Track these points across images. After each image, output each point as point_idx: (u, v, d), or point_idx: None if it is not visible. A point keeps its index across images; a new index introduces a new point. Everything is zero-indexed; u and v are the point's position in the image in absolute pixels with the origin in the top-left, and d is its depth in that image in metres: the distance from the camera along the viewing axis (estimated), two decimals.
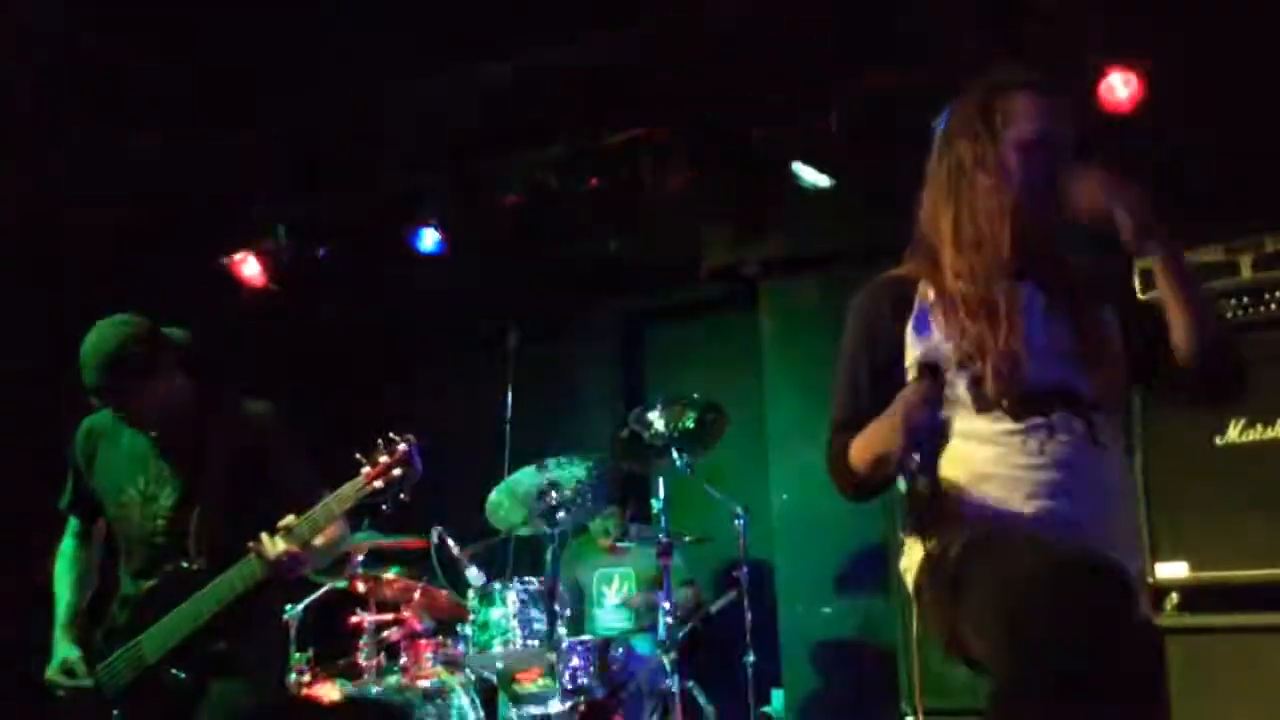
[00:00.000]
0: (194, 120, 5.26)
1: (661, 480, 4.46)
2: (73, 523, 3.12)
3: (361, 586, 4.59)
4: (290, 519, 2.73)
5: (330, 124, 5.38)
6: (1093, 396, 2.06)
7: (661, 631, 4.35)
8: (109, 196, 5.38)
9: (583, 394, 6.03)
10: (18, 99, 4.92)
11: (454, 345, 6.01)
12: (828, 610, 5.24)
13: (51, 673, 2.89)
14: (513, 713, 4.01)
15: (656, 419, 4.48)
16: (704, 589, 5.19)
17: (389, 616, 4.60)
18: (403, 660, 4.57)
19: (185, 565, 2.85)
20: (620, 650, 4.42)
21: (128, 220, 5.39)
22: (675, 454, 4.45)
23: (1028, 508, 1.99)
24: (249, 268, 5.72)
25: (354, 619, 4.59)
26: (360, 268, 5.74)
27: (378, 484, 2.70)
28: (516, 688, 3.88)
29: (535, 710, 3.94)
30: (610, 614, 5.09)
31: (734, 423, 4.76)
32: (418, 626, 4.65)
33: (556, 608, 4.09)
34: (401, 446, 2.72)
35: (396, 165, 5.42)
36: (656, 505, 4.47)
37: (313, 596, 4.63)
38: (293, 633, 4.56)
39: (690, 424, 4.55)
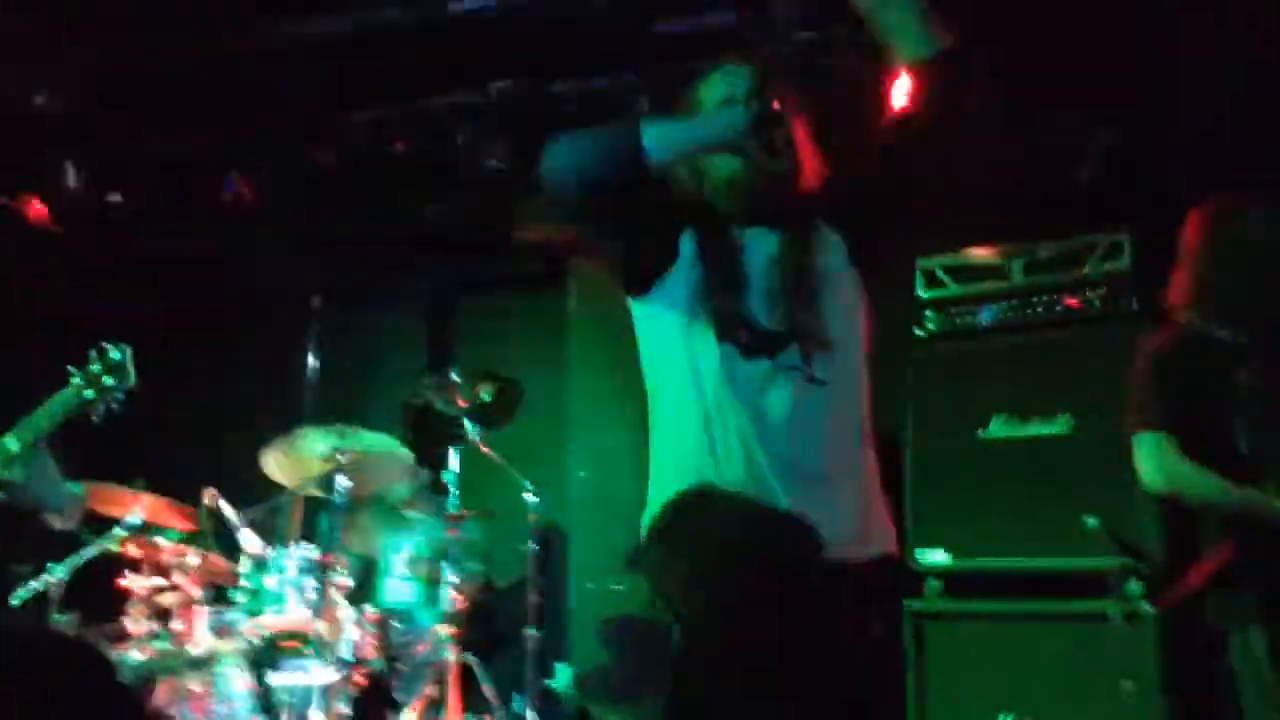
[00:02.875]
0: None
1: (454, 453, 4.42)
2: None
3: (134, 550, 4.43)
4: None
5: (150, 70, 5.09)
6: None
7: (444, 604, 4.32)
8: None
9: (389, 364, 5.92)
10: None
11: (256, 305, 5.80)
12: (619, 587, 5.29)
13: None
14: (275, 682, 3.91)
15: (453, 389, 4.43)
16: (497, 564, 5.16)
17: (161, 582, 4.43)
18: (177, 626, 4.43)
19: None
20: (401, 622, 4.36)
21: None
22: (469, 426, 4.41)
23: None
24: (35, 207, 5.41)
25: (123, 583, 4.42)
26: (163, 218, 5.49)
27: (88, 393, 2.59)
28: (278, 656, 3.78)
29: (298, 680, 3.85)
30: (398, 585, 5.01)
31: (538, 400, 4.74)
32: (193, 593, 4.49)
33: (329, 575, 4.00)
34: (113, 354, 2.61)
35: (211, 117, 5.18)
36: (448, 477, 4.43)
37: (80, 558, 4.43)
38: (58, 595, 4.38)
39: (487, 397, 4.52)
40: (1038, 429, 3.90)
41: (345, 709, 4.17)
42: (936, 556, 3.98)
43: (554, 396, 5.44)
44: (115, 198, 5.46)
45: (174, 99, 5.06)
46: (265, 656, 3.79)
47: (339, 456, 4.14)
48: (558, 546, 5.32)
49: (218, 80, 4.92)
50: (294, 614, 3.90)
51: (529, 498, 4.52)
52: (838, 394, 2.18)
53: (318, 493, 4.23)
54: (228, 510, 4.14)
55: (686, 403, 2.17)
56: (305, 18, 4.64)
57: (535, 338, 5.72)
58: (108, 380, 2.58)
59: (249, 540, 4.12)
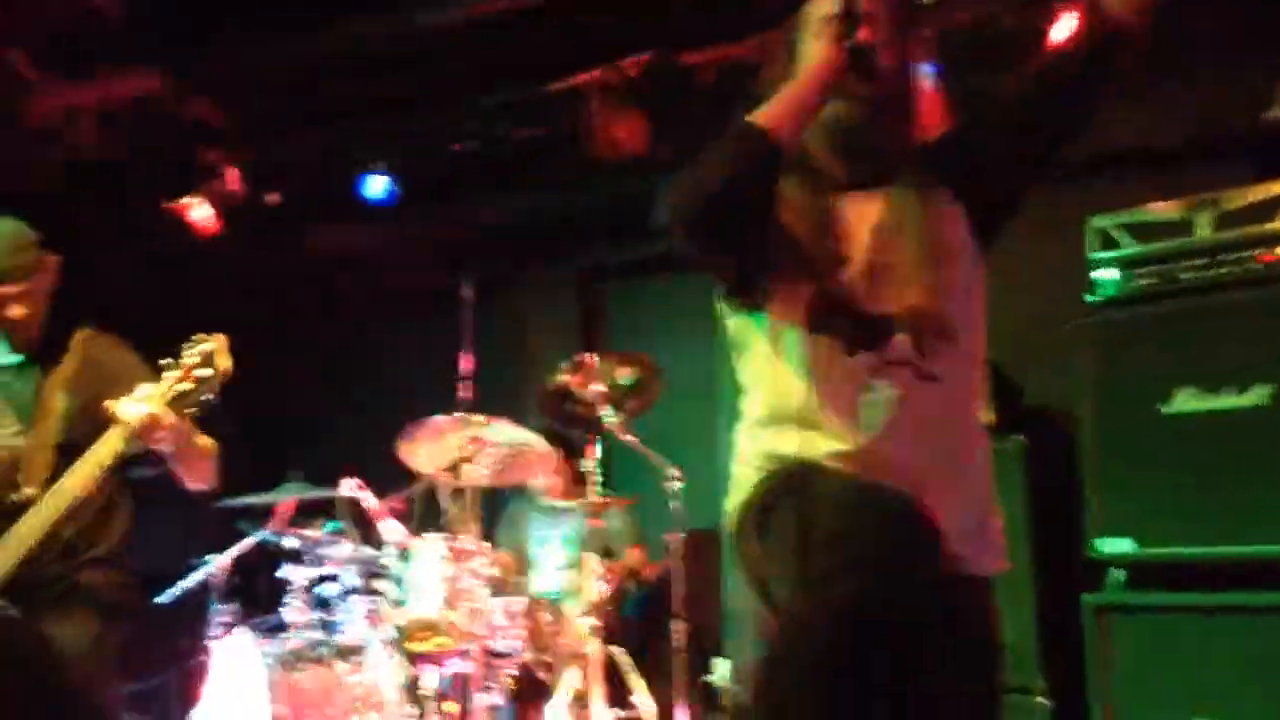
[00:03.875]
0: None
1: (595, 440, 4.30)
2: None
3: (292, 541, 4.50)
4: (141, 386, 2.59)
5: (280, 70, 5.19)
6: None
7: (590, 595, 4.21)
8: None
9: (538, 351, 5.86)
10: None
11: (403, 298, 5.85)
12: None
13: None
14: (422, 671, 3.88)
15: (591, 372, 4.30)
16: (648, 553, 5.03)
17: (318, 571, 4.50)
18: (335, 615, 4.49)
19: (15, 498, 2.71)
20: (548, 613, 4.28)
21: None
22: (609, 411, 4.28)
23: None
24: (199, 211, 5.58)
25: (281, 573, 4.50)
26: (308, 215, 5.58)
27: (185, 385, 2.56)
28: (411, 646, 3.74)
29: (445, 670, 3.80)
30: (545, 575, 4.94)
31: (689, 385, 4.57)
32: (349, 582, 4.54)
33: (472, 565, 3.93)
34: (207, 345, 2.58)
35: (343, 112, 5.23)
36: (589, 465, 4.31)
37: (239, 549, 4.54)
38: (214, 586, 4.50)
39: (626, 381, 4.38)
40: (1230, 401, 3.48)
41: (494, 700, 4.13)
42: (1119, 545, 3.62)
43: (706, 381, 5.26)
44: (272, 197, 5.57)
45: (318, 95, 5.13)
46: (404, 646, 3.75)
47: (473, 446, 4.07)
48: (708, 537, 5.13)
49: (358, 73, 4.95)
50: (434, 604, 3.84)
51: (674, 485, 4.35)
52: (954, 391, 1.91)
53: (458, 482, 4.17)
54: (369, 499, 4.14)
55: (780, 405, 1.92)
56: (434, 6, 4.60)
57: (687, 322, 5.54)
58: (202, 372, 2.55)
59: (391, 529, 4.10)
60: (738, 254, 1.95)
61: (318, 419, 5.43)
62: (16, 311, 2.79)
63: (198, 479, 2.90)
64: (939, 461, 1.87)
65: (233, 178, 5.56)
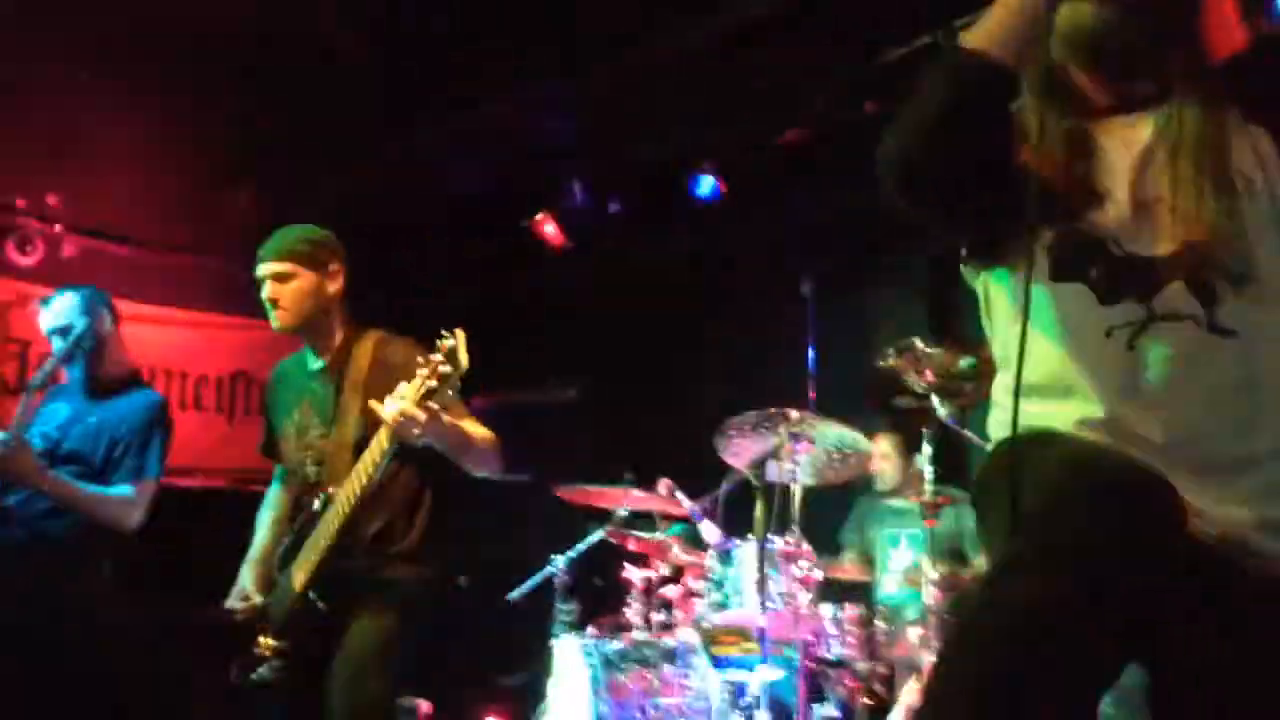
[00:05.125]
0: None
1: (926, 433, 3.95)
2: (277, 467, 3.28)
3: (632, 544, 4.54)
4: (399, 387, 2.67)
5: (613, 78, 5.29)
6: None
7: (925, 599, 3.87)
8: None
9: (887, 344, 5.53)
10: None
11: (744, 296, 5.74)
12: None
13: (229, 600, 3.04)
14: (736, 678, 3.73)
15: (920, 359, 3.96)
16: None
17: (658, 574, 4.49)
18: (675, 617, 4.46)
19: (322, 498, 2.88)
20: (886, 620, 4.00)
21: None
22: (939, 402, 3.91)
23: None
24: (549, 227, 5.82)
25: (624, 574, 4.54)
26: (646, 220, 5.65)
27: (432, 383, 2.58)
28: (717, 651, 3.58)
29: (763, 677, 3.62)
30: (896, 580, 4.62)
31: None
32: (690, 585, 4.50)
33: (797, 569, 3.73)
34: (449, 342, 2.58)
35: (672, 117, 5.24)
36: (921, 461, 3.97)
37: (579, 550, 4.64)
38: (562, 584, 4.62)
39: (964, 368, 3.98)
40: None
41: (829, 711, 3.91)
42: None
43: None
44: (614, 207, 5.70)
45: (648, 103, 5.17)
46: (711, 651, 3.62)
47: (790, 444, 3.87)
48: None
49: (682, 78, 4.94)
50: (750, 609, 3.69)
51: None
52: (1258, 351, 1.50)
53: (767, 480, 3.99)
54: (685, 501, 4.06)
55: (1028, 374, 1.54)
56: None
57: None
58: (445, 369, 2.58)
59: (708, 530, 4.00)
60: (969, 203, 1.64)
61: (660, 422, 5.45)
62: (277, 294, 2.96)
63: (478, 467, 2.95)
64: (1229, 441, 1.49)
65: (578, 191, 5.74)
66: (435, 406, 2.62)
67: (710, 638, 3.62)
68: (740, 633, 3.55)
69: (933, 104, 1.56)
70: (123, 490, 3.56)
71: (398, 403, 2.62)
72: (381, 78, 5.23)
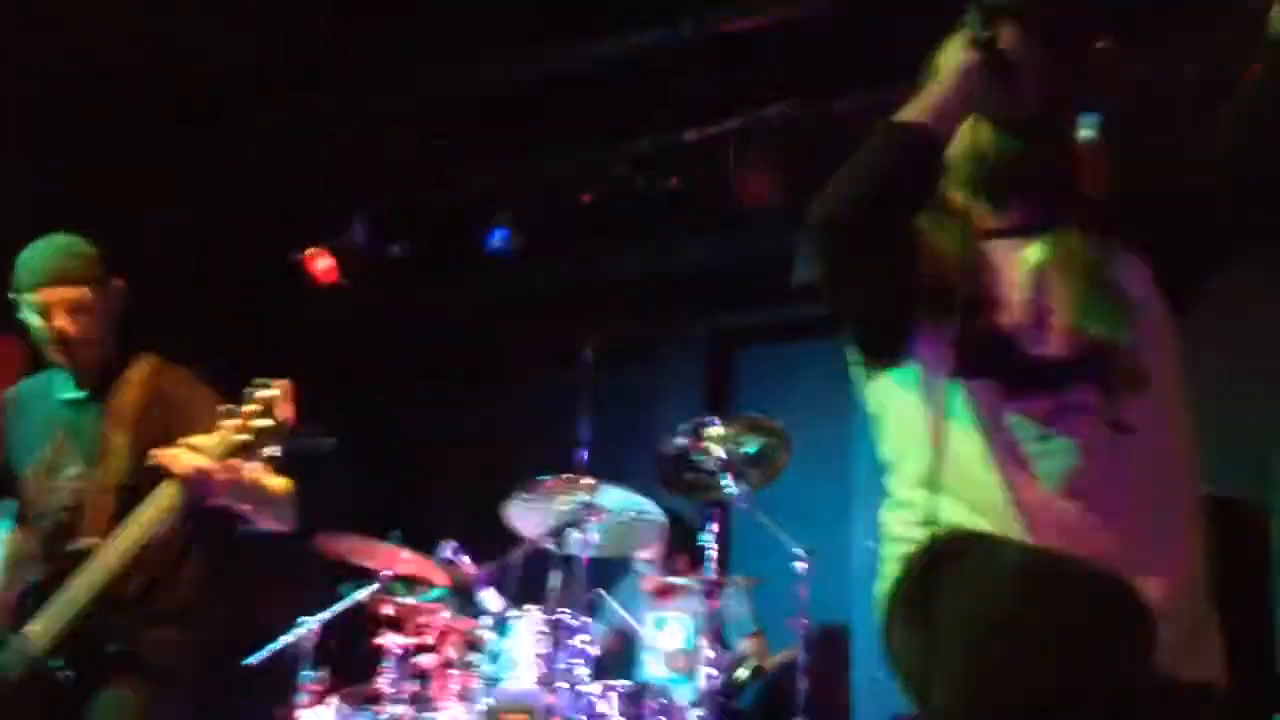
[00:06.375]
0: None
1: (711, 514, 3.92)
2: (4, 504, 2.82)
3: (389, 608, 4.24)
4: (195, 437, 2.37)
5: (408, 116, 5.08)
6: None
7: (700, 683, 3.80)
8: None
9: (663, 419, 5.53)
10: None
11: (524, 357, 5.61)
12: None
13: None
14: None
15: (712, 437, 3.94)
16: (767, 641, 4.57)
17: (415, 642, 4.22)
18: (431, 688, 4.20)
19: (78, 544, 2.49)
20: (656, 699, 3.88)
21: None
22: (728, 481, 3.90)
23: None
24: (322, 263, 5.48)
25: (378, 641, 4.23)
26: (430, 267, 5.42)
27: (242, 438, 2.31)
28: None
29: None
30: (658, 661, 4.53)
31: (820, 458, 4.18)
32: (448, 655, 4.25)
33: (574, 642, 3.58)
34: (267, 393, 2.31)
35: (470, 158, 5.07)
36: (704, 540, 3.93)
37: (331, 612, 4.30)
38: (307, 649, 4.25)
39: (750, 449, 4.00)
40: None
41: None
42: None
43: (840, 455, 4.84)
44: (395, 250, 5.44)
45: (450, 144, 4.99)
46: None
47: (584, 512, 3.74)
48: (840, 626, 4.66)
49: (480, 122, 4.80)
50: (526, 684, 3.50)
51: (800, 567, 3.93)
52: (1154, 448, 1.52)
53: (562, 550, 3.84)
54: (468, 566, 3.85)
55: (937, 470, 1.55)
56: (565, 46, 4.40)
57: (822, 389, 5.14)
58: (260, 423, 2.30)
59: (491, 599, 3.80)
60: (883, 288, 1.64)
61: (427, 479, 5.19)
62: (71, 326, 2.59)
63: (272, 522, 2.65)
64: (1136, 531, 1.47)
65: (358, 230, 5.45)
66: (238, 465, 2.32)
67: (494, 715, 3.38)
68: (527, 710, 3.34)
69: (871, 169, 1.58)
70: None
71: (193, 457, 2.30)
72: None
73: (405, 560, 4.24)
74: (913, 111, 1.59)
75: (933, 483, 1.52)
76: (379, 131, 5.13)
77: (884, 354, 1.68)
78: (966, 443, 1.54)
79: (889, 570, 1.60)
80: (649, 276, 5.35)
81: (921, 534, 1.53)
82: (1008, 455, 1.51)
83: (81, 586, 2.43)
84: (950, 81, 1.60)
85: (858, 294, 1.65)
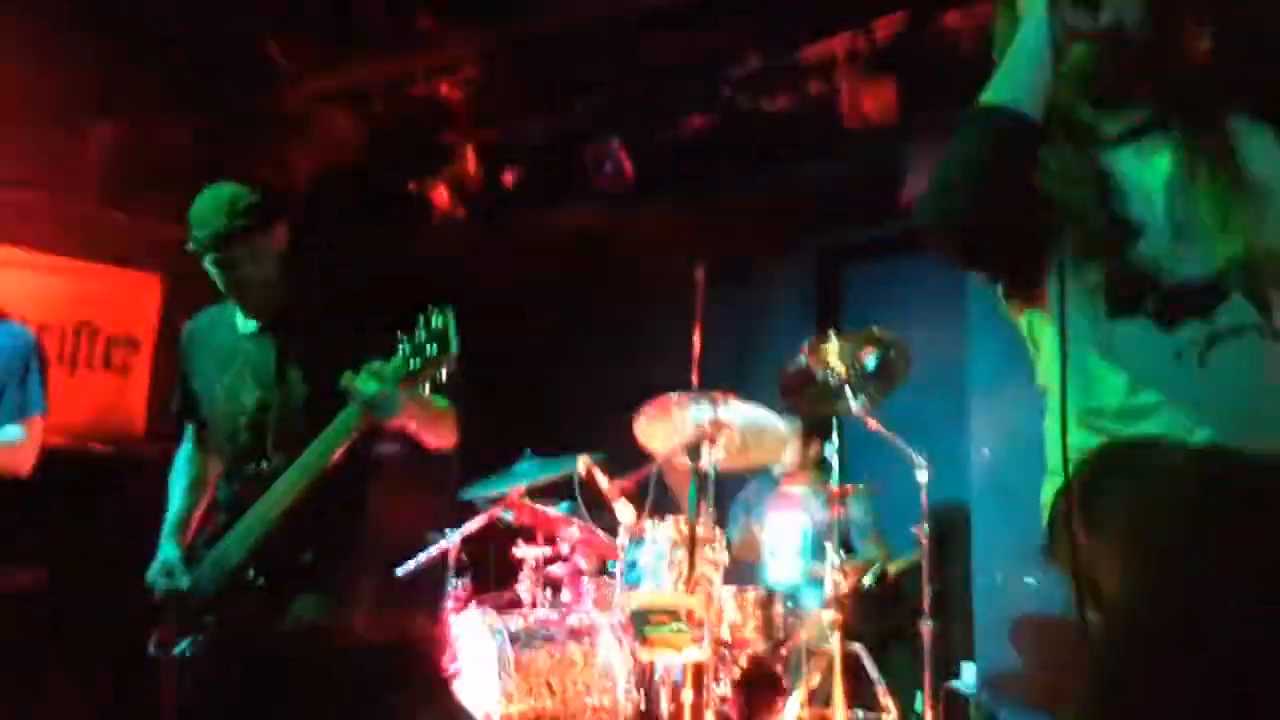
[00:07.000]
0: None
1: (835, 424, 4.06)
2: (187, 429, 3.07)
3: (526, 520, 4.47)
4: (375, 363, 2.54)
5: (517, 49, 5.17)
6: None
7: (827, 588, 3.98)
8: None
9: (774, 336, 5.64)
10: None
11: (637, 280, 5.74)
12: (1032, 581, 4.66)
13: (151, 574, 2.83)
14: (649, 657, 3.74)
15: (832, 353, 4.06)
16: (890, 548, 4.73)
17: (551, 552, 4.45)
18: (564, 596, 4.44)
19: (264, 464, 2.72)
20: (784, 604, 4.07)
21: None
22: (850, 395, 4.03)
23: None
24: (439, 194, 5.66)
25: (515, 552, 4.48)
26: (546, 195, 5.56)
27: (416, 362, 2.48)
28: (650, 631, 3.58)
29: (672, 657, 3.65)
30: (782, 564, 4.71)
31: (934, 369, 4.26)
32: (580, 564, 4.47)
33: (704, 551, 3.76)
34: (437, 323, 2.48)
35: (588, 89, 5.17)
36: (829, 450, 4.07)
37: (471, 526, 4.54)
38: (450, 561, 4.51)
39: (871, 362, 4.11)
40: None
41: (723, 690, 3.95)
42: None
43: (953, 366, 4.91)
44: (509, 178, 5.59)
45: (554, 74, 5.08)
46: (641, 631, 3.61)
47: (711, 427, 3.90)
48: (958, 531, 4.78)
49: (591, 52, 4.87)
50: (666, 589, 3.70)
51: (921, 475, 4.05)
52: None
53: (691, 464, 4.01)
54: (602, 480, 4.04)
55: (1095, 407, 1.62)
56: None
57: (932, 302, 5.20)
58: (431, 349, 2.47)
59: (623, 511, 3.99)
60: (1007, 250, 1.69)
61: (557, 397, 5.39)
62: (246, 275, 2.77)
63: (437, 440, 2.85)
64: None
65: (472, 160, 5.60)
66: (414, 388, 2.50)
67: (641, 617, 3.59)
68: (670, 613, 3.55)
69: (967, 159, 1.61)
70: (10, 433, 3.28)
71: (375, 382, 2.48)
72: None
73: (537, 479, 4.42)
74: (1002, 83, 1.62)
75: (1086, 424, 1.62)
76: (490, 63, 5.24)
77: (1025, 297, 1.75)
78: (1118, 382, 1.60)
79: (1053, 479, 1.67)
80: (758, 196, 5.43)
81: (1083, 443, 1.62)
82: (1167, 388, 1.56)
83: (270, 504, 2.63)
84: (1030, 31, 1.61)
85: (998, 261, 1.71)
